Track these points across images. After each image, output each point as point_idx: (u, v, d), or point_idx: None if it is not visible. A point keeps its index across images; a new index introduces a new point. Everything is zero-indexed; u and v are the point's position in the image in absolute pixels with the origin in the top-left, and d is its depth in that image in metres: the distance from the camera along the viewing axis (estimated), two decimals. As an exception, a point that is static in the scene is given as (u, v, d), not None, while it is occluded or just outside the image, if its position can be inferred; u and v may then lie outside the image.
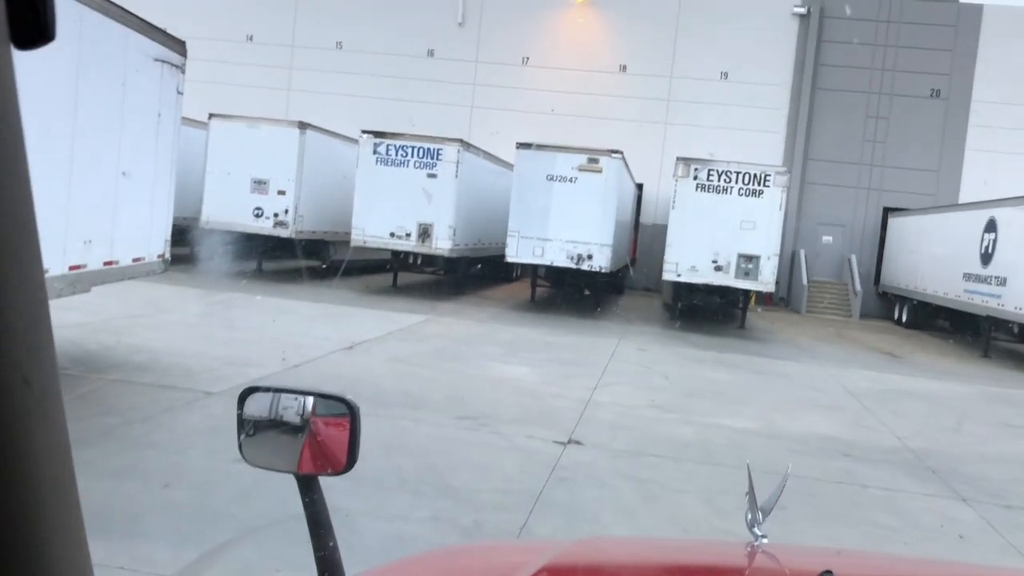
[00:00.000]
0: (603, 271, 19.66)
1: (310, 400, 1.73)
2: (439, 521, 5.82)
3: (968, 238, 21.43)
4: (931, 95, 29.50)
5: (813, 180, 30.02)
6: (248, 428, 1.72)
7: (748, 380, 13.48)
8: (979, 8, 29.35)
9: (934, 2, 29.33)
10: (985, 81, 29.16)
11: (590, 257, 19.36)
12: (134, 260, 9.94)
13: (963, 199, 27.06)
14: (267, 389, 1.74)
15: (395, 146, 19.96)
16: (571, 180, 19.37)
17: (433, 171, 19.86)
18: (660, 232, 21.30)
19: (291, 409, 1.73)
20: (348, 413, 1.72)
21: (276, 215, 20.72)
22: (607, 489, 7.01)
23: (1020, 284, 18.29)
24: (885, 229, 29.56)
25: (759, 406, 11.19)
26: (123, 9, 9.14)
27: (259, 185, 20.72)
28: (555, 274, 21.05)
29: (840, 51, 29.65)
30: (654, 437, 8.81)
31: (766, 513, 1.92)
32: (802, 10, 29.80)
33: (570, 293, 21.92)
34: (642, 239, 29.30)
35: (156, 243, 10.55)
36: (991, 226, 20.32)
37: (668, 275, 19.46)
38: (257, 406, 1.73)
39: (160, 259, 10.73)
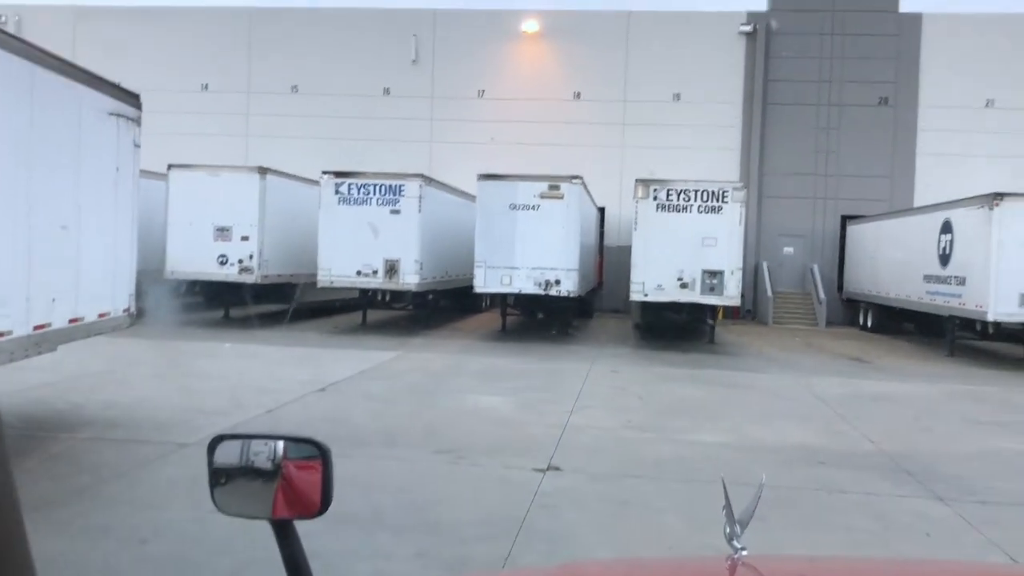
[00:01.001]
0: (571, 295, 19.75)
1: (280, 444, 1.75)
2: (423, 557, 5.81)
3: (926, 240, 21.81)
4: (879, 103, 30.10)
5: (770, 193, 30.44)
6: (220, 477, 1.74)
7: (721, 394, 13.58)
8: (918, 17, 30.08)
9: (875, 13, 30.01)
10: (930, 86, 29.84)
11: (558, 282, 19.46)
12: (100, 316, 9.86)
13: (918, 203, 27.54)
14: (236, 436, 1.77)
15: (357, 185, 20.00)
16: (534, 208, 19.51)
17: (396, 207, 19.91)
18: (625, 254, 21.46)
19: (262, 455, 1.75)
20: (319, 455, 1.75)
21: (241, 261, 20.64)
22: (589, 513, 7.03)
23: (979, 282, 18.63)
24: (844, 237, 30.00)
25: (733, 419, 11.27)
26: (75, 66, 9.14)
27: (222, 232, 20.65)
28: (524, 302, 21.11)
29: (788, 66, 30.22)
30: (632, 458, 8.85)
31: (744, 525, 1.95)
32: (748, 28, 30.37)
33: (541, 320, 21.98)
34: (608, 261, 29.47)
35: (121, 297, 10.47)
36: (947, 227, 20.71)
37: (635, 295, 19.59)
38: (227, 454, 1.75)
39: (126, 313, 10.64)
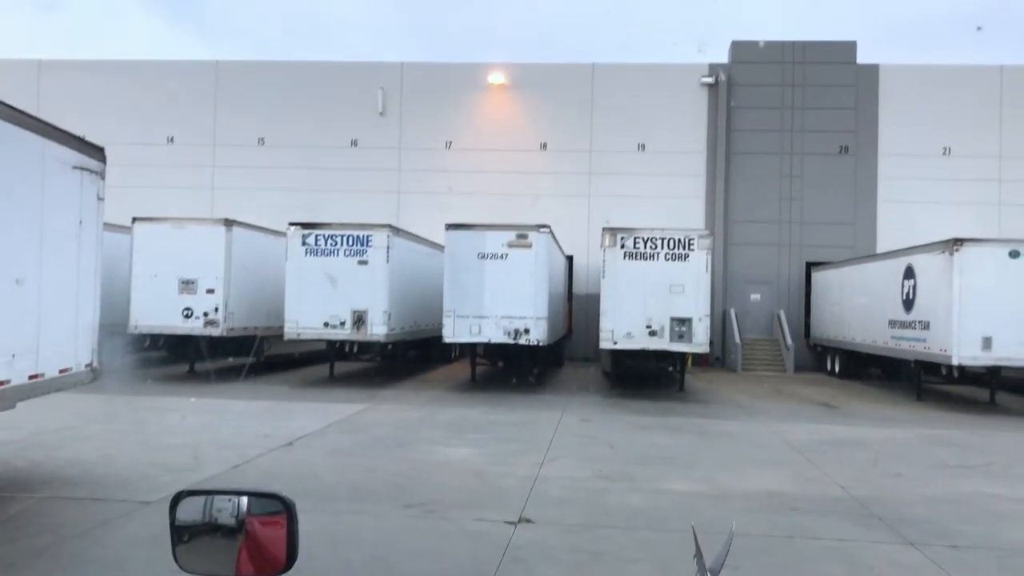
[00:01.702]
0: (541, 344, 19.73)
1: (244, 500, 1.71)
2: (392, 614, 5.68)
3: (889, 286, 22.11)
4: (840, 152, 30.72)
5: (736, 241, 30.81)
6: (182, 534, 1.69)
7: (692, 442, 13.56)
8: (875, 68, 30.89)
9: (834, 64, 30.76)
10: (889, 135, 30.55)
11: (527, 331, 19.45)
12: (61, 371, 9.66)
13: (880, 249, 28.02)
14: (199, 492, 1.72)
15: (324, 236, 19.95)
16: (502, 257, 19.55)
17: (364, 258, 19.86)
18: (594, 302, 21.54)
19: (225, 511, 1.70)
20: (284, 510, 1.70)
21: (206, 314, 20.43)
22: (561, 566, 6.94)
23: (942, 327, 18.86)
24: (810, 283, 30.36)
25: (704, 467, 11.24)
26: (38, 119, 9.08)
27: (187, 285, 20.46)
28: (494, 351, 21.05)
29: (750, 116, 30.82)
30: (604, 508, 8.77)
31: (715, 573, 1.93)
32: (710, 80, 30.97)
33: (511, 369, 21.90)
34: (577, 310, 29.57)
35: (83, 352, 10.28)
36: (909, 273, 21.02)
37: (605, 343, 19.60)
38: (190, 510, 1.70)
39: (89, 368, 10.44)
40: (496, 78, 31.68)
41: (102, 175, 10.56)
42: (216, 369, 22.54)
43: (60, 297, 9.61)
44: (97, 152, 10.46)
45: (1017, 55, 77.50)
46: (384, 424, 14.41)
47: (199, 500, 1.72)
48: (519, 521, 7.99)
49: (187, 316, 20.43)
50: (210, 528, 1.70)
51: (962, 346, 18.25)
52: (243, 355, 22.98)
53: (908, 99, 30.56)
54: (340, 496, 8.83)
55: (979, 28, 64.07)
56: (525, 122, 31.57)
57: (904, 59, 31.04)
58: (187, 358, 21.70)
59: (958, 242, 18.56)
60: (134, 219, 20.71)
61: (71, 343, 9.95)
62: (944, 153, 30.19)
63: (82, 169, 9.97)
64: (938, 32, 68.88)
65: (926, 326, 19.79)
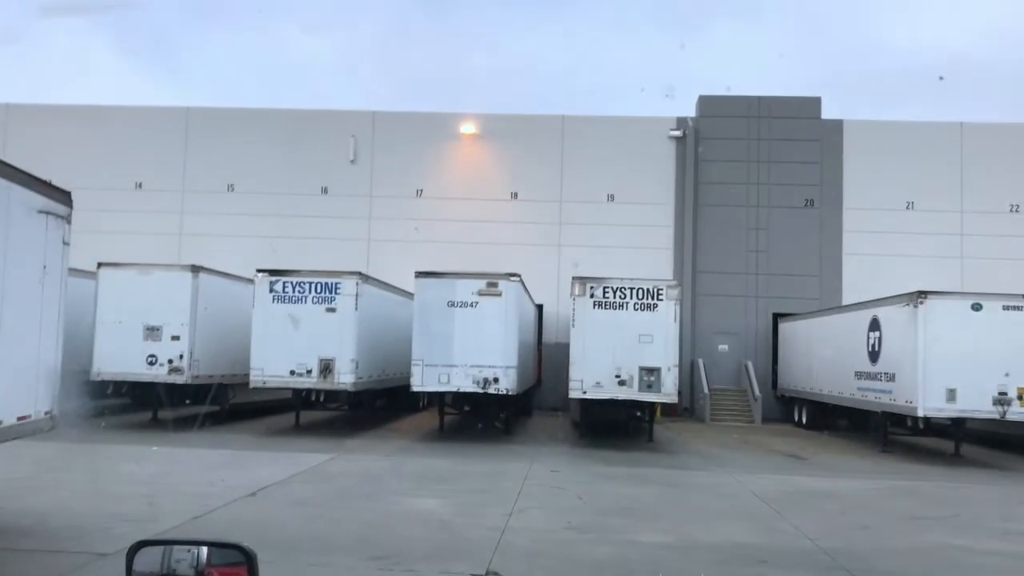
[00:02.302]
0: (510, 393, 19.63)
1: (204, 550, 1.65)
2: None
3: (855, 338, 22.33)
4: (806, 205, 31.21)
5: (704, 291, 31.05)
6: (139, 587, 1.63)
7: (660, 493, 13.49)
8: (839, 123, 31.59)
9: (798, 119, 31.40)
10: (853, 189, 31.13)
11: (496, 380, 19.35)
12: (19, 419, 9.44)
13: (846, 300, 28.36)
14: (157, 542, 1.67)
15: (292, 283, 19.81)
16: (472, 305, 19.52)
17: (332, 305, 19.73)
18: (563, 351, 21.52)
19: (184, 562, 1.65)
20: (245, 561, 1.65)
21: (171, 361, 20.13)
22: (528, 619, 6.82)
23: (908, 378, 19.04)
24: (777, 334, 30.59)
25: (673, 519, 11.18)
26: (2, 162, 8.98)
27: (152, 332, 20.18)
28: (463, 400, 20.89)
29: (717, 169, 31.30)
30: (573, 560, 8.68)
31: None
32: (677, 133, 31.47)
33: (479, 419, 21.73)
34: (546, 359, 29.51)
35: (43, 399, 10.06)
36: (875, 325, 21.26)
37: (574, 393, 19.55)
38: (148, 561, 1.64)
39: (48, 416, 10.21)
40: (467, 128, 31.97)
41: (68, 219, 10.44)
42: (180, 417, 22.17)
43: (21, 343, 9.43)
44: (63, 196, 10.35)
45: (974, 109, 79.72)
46: (350, 474, 14.21)
47: (157, 551, 1.67)
48: (486, 574, 7.87)
49: (151, 363, 20.13)
50: (168, 580, 1.64)
51: (927, 397, 18.42)
52: (209, 403, 22.63)
53: (871, 154, 31.22)
54: (305, 548, 8.65)
55: (941, 78, 65.97)
56: (496, 172, 31.81)
57: (863, 113, 31.68)
58: (150, 406, 21.33)
59: (922, 295, 18.83)
60: (99, 264, 20.47)
61: (31, 390, 9.74)
62: (907, 207, 30.78)
63: (47, 213, 9.86)
64: (896, 88, 70.81)
65: (892, 378, 19.97)
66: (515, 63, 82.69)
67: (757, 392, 28.82)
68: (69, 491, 11.52)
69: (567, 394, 20.32)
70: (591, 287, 19.48)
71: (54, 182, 10.24)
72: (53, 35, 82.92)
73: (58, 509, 10.16)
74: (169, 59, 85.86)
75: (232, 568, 1.68)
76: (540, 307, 28.63)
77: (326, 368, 19.59)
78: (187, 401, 21.64)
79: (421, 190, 31.75)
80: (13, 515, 9.68)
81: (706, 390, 28.90)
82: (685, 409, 29.47)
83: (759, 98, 31.68)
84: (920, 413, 18.50)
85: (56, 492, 11.38)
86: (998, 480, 17.02)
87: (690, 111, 32.22)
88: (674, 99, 32.06)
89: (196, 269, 20.78)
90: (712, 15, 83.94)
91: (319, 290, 19.79)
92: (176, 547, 1.70)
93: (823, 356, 25.32)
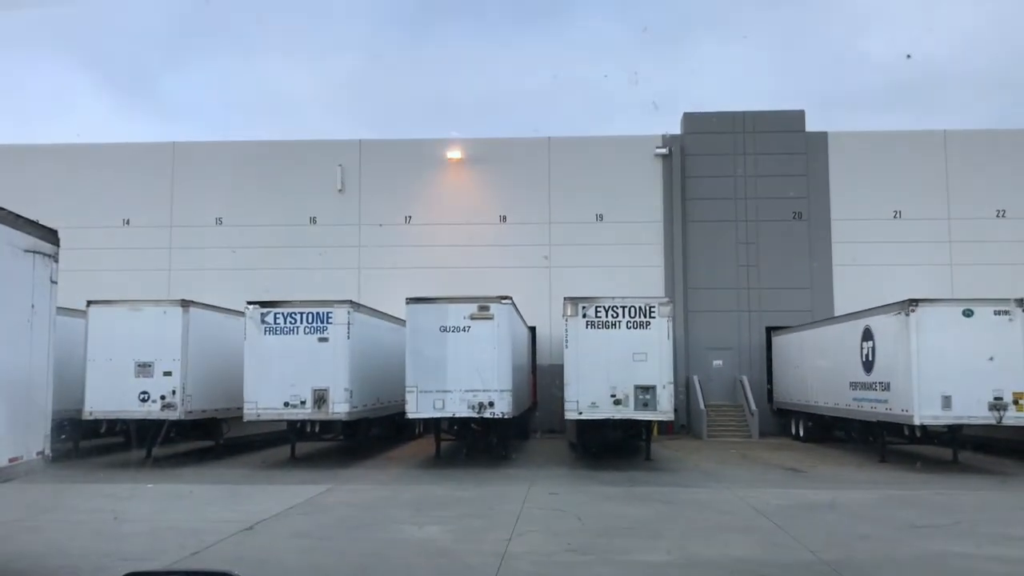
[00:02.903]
0: (506, 417, 19.55)
1: (193, 583, 1.63)
2: None
3: (849, 348, 22.35)
4: (794, 218, 31.32)
5: (696, 308, 31.07)
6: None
7: (660, 511, 13.43)
8: (824, 135, 31.76)
9: (783, 133, 31.58)
10: (840, 200, 31.26)
11: (491, 404, 19.27)
12: (11, 460, 9.36)
13: (838, 311, 28.37)
14: (149, 574, 1.64)
15: (283, 314, 19.75)
16: (464, 329, 19.47)
17: (324, 335, 19.67)
18: (558, 372, 21.45)
19: (174, 595, 1.62)
20: (235, 592, 1.63)
21: (163, 397, 20.00)
22: (531, 644, 6.76)
23: (903, 387, 19.05)
24: (771, 347, 30.60)
25: (673, 537, 11.12)
26: (-12, 203, 8.96)
27: (143, 368, 20.06)
28: (458, 425, 20.80)
29: (704, 185, 31.43)
30: (573, 582, 8.61)
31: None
32: (664, 151, 31.60)
33: (476, 444, 21.64)
34: (541, 381, 29.43)
35: (35, 440, 9.98)
36: (868, 335, 21.29)
37: (570, 414, 19.48)
38: (137, 596, 1.62)
39: (40, 456, 10.13)
40: (453, 153, 32.04)
41: (55, 258, 10.41)
42: (175, 453, 22.03)
43: (11, 383, 9.37)
44: (50, 235, 10.32)
45: (955, 119, 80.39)
46: (348, 505, 14.12)
47: (146, 584, 1.64)
48: (487, 599, 7.80)
49: (143, 400, 20.00)
50: (157, 614, 1.62)
51: (923, 406, 18.42)
52: (203, 438, 22.50)
53: (857, 165, 31.40)
54: (302, 580, 8.57)
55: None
56: (483, 196, 31.86)
57: (844, 125, 31.85)
58: (144, 443, 21.17)
59: (913, 303, 18.88)
60: (89, 302, 20.38)
61: (22, 431, 9.67)
62: (895, 216, 30.92)
63: (35, 252, 9.83)
64: (875, 100, 71.40)
65: (887, 387, 19.97)
66: (497, 87, 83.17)
67: (753, 407, 28.79)
68: (63, 531, 11.41)
69: (563, 415, 20.26)
70: (583, 307, 19.48)
71: (41, 221, 10.21)
72: (33, 73, 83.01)
73: (53, 550, 10.06)
74: (151, 94, 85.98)
75: (222, 598, 1.66)
76: (533, 329, 28.61)
77: (320, 399, 19.50)
78: (181, 437, 21.48)
79: (410, 217, 31.78)
80: (9, 557, 9.58)
81: (702, 406, 28.86)
82: (682, 426, 29.42)
83: (743, 113, 31.86)
84: (916, 421, 18.50)
85: (51, 533, 11.27)
86: (996, 486, 17.01)
87: (675, 128, 32.39)
88: (660, 111, 32.06)
89: (186, 304, 20.71)
90: (692, 31, 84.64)
91: (310, 320, 19.74)
92: (166, 579, 1.67)
93: (818, 368, 25.32)
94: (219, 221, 31.91)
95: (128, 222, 32.06)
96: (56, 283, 10.44)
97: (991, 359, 18.23)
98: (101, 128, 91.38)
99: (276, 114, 79.51)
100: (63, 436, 18.31)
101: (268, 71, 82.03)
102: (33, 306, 9.84)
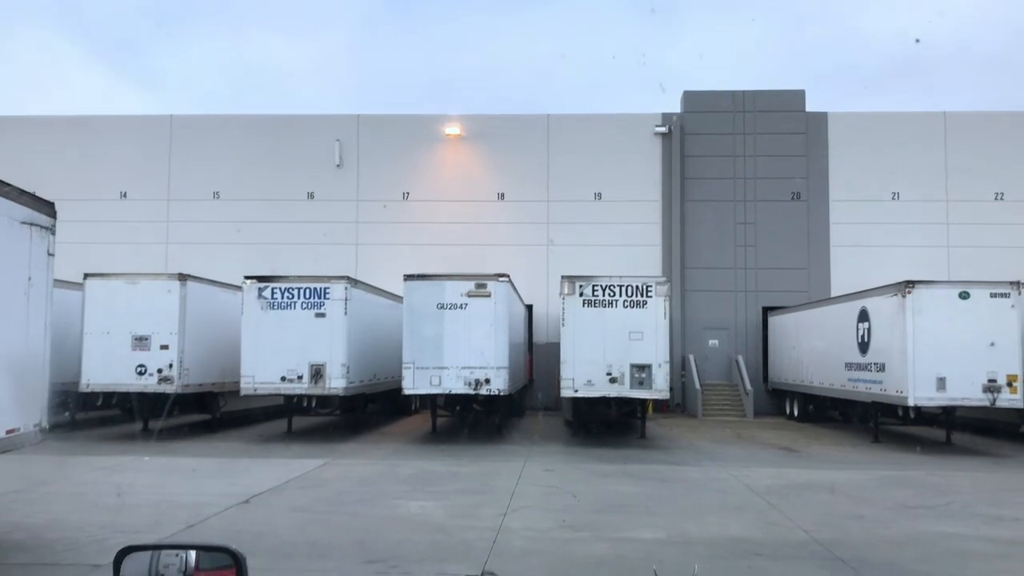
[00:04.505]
0: (502, 394, 19.62)
1: (192, 554, 1.64)
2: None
3: (844, 329, 22.40)
4: (793, 198, 31.28)
5: (693, 287, 31.11)
6: (128, 593, 1.62)
7: (654, 489, 13.50)
8: (824, 116, 31.66)
9: (783, 113, 31.48)
10: (839, 181, 31.23)
11: (488, 381, 19.34)
12: (8, 432, 9.38)
13: (834, 292, 28.44)
14: (145, 547, 1.65)
15: (280, 289, 19.75)
16: (461, 307, 19.50)
17: (321, 310, 19.68)
18: (554, 351, 21.52)
19: (172, 567, 1.63)
20: (233, 564, 1.64)
21: (160, 371, 20.03)
22: (525, 618, 6.81)
23: (898, 368, 19.12)
24: (767, 328, 30.66)
25: (668, 514, 11.18)
26: (-14, 175, 8.92)
27: (140, 341, 20.07)
28: (455, 402, 20.89)
29: (703, 164, 31.36)
30: (569, 558, 8.67)
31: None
32: (663, 129, 31.50)
33: (472, 420, 21.73)
34: (537, 359, 29.54)
35: (32, 412, 10.00)
36: (864, 316, 21.33)
37: (566, 392, 19.55)
38: (136, 567, 1.62)
39: (37, 428, 10.15)
40: (452, 129, 31.93)
41: (52, 231, 10.38)
42: (172, 426, 22.09)
43: (8, 355, 9.37)
44: (47, 207, 10.29)
45: (955, 100, 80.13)
46: (344, 479, 14.17)
47: (145, 556, 1.65)
48: (482, 574, 7.86)
49: (140, 373, 20.03)
50: (156, 585, 1.62)
51: (917, 387, 18.50)
52: (200, 411, 22.56)
53: (856, 145, 31.33)
54: (300, 553, 8.63)
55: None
56: (482, 173, 31.78)
57: (844, 105, 31.76)
58: (141, 416, 21.23)
59: (910, 284, 18.91)
60: (86, 275, 20.36)
61: (19, 402, 9.68)
62: (893, 198, 30.90)
63: (31, 225, 9.80)
64: (876, 79, 71.15)
65: (881, 368, 20.04)
66: (496, 62, 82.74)
67: (748, 386, 28.88)
68: (61, 504, 11.45)
69: (559, 393, 20.33)
70: (580, 286, 19.49)
71: (37, 193, 10.18)
72: (20, 44, 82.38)
73: (51, 522, 10.10)
74: (143, 68, 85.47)
75: (221, 571, 1.67)
76: (530, 307, 28.64)
77: (317, 373, 19.54)
78: (178, 411, 21.54)
79: (408, 193, 31.71)
80: (6, 529, 9.62)
81: (697, 385, 28.95)
82: (677, 405, 29.54)
83: (743, 92, 31.77)
84: (911, 402, 18.59)
85: (48, 505, 11.32)
86: (989, 467, 17.10)
87: (675, 107, 32.27)
88: (660, 90, 31.88)
89: (183, 277, 20.70)
90: (694, 8, 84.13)
91: (308, 295, 19.75)
92: (164, 552, 1.68)
93: (813, 348, 25.39)
94: (216, 195, 31.83)
95: (125, 195, 31.97)
96: (53, 256, 10.42)
97: (992, 344, 18.29)
98: (92, 102, 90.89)
99: (270, 89, 79.11)
100: (61, 409, 18.36)
101: (262, 44, 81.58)
102: (30, 279, 9.83)
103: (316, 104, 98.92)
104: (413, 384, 19.50)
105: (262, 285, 19.77)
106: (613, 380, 19.18)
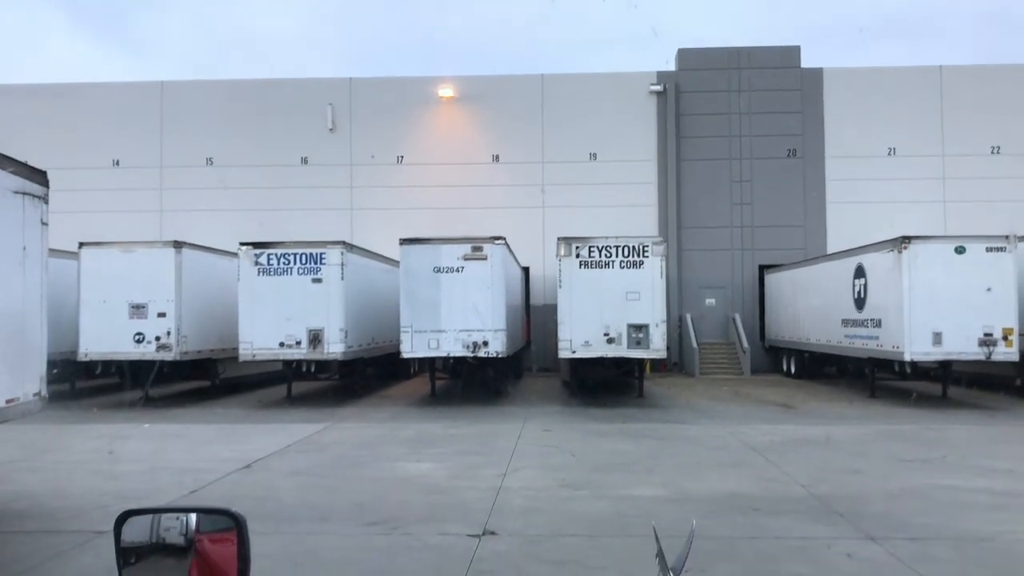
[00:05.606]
0: (500, 356, 19.69)
1: (192, 517, 1.64)
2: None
3: (841, 286, 22.45)
4: (788, 155, 31.18)
5: (689, 246, 31.09)
6: (129, 556, 1.62)
7: (652, 447, 13.60)
8: (819, 72, 31.44)
9: (778, 69, 31.25)
10: (835, 138, 31.09)
11: (485, 344, 19.39)
12: (7, 402, 9.41)
13: (831, 249, 28.46)
14: (145, 511, 1.65)
15: (276, 255, 19.71)
16: (458, 270, 19.50)
17: (318, 276, 19.67)
18: (551, 312, 21.57)
19: (173, 530, 1.64)
20: (235, 526, 1.64)
21: (158, 338, 20.06)
22: (526, 576, 6.88)
23: (894, 324, 19.19)
24: (763, 286, 30.71)
25: (666, 472, 11.27)
26: (-24, 144, 8.85)
27: (138, 310, 20.08)
28: (453, 365, 20.97)
29: (699, 123, 31.19)
30: (568, 516, 8.75)
31: (677, 572, 1.91)
32: (658, 88, 31.27)
33: (470, 382, 21.82)
34: (535, 321, 29.59)
35: (31, 381, 10.02)
36: (860, 272, 21.36)
37: (563, 352, 19.62)
38: (136, 530, 1.63)
39: (37, 397, 10.18)
40: (445, 91, 31.68)
41: (45, 200, 10.33)
42: (171, 394, 22.17)
43: (5, 325, 9.37)
44: (39, 176, 10.23)
45: (949, 54, 79.56)
46: (344, 443, 14.26)
47: (145, 519, 1.65)
48: (483, 534, 7.93)
49: (139, 341, 20.06)
50: (158, 548, 1.63)
51: (914, 342, 18.58)
52: (198, 379, 22.63)
53: (852, 101, 31.15)
54: (301, 517, 8.70)
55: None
56: (476, 134, 31.60)
57: (847, 62, 31.51)
58: (140, 384, 21.30)
59: (906, 240, 18.91)
60: (81, 244, 20.31)
61: (18, 372, 9.70)
62: (889, 153, 30.80)
63: (24, 194, 9.75)
64: (869, 36, 70.56)
65: (878, 324, 20.11)
66: (488, 18, 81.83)
67: (745, 344, 29.00)
68: (62, 472, 11.52)
69: (556, 354, 20.40)
70: (576, 247, 19.47)
71: (29, 162, 10.11)
72: (2, 11, 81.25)
73: (53, 490, 10.17)
74: (128, 34, 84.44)
75: (222, 534, 1.68)
76: (526, 269, 28.64)
77: (315, 339, 19.58)
78: (177, 378, 21.60)
79: (402, 156, 31.55)
80: (7, 497, 9.69)
81: (695, 344, 29.05)
82: (674, 364, 29.67)
83: (738, 49, 31.52)
84: (907, 357, 18.68)
85: (49, 473, 11.38)
86: (984, 420, 17.24)
87: (670, 65, 32.02)
88: (656, 46, 31.67)
89: (179, 245, 20.65)
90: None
91: (304, 261, 19.72)
92: (164, 515, 1.68)
93: (809, 305, 25.46)
94: (209, 161, 31.65)
95: (118, 163, 31.78)
96: (47, 225, 10.37)
97: (989, 289, 18.33)
98: (76, 69, 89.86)
99: (258, 53, 78.22)
100: (59, 377, 18.39)
101: (248, 6, 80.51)
102: (24, 248, 9.79)
103: (305, 69, 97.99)
104: (411, 347, 19.56)
105: (258, 251, 19.73)
106: (610, 340, 19.25)
